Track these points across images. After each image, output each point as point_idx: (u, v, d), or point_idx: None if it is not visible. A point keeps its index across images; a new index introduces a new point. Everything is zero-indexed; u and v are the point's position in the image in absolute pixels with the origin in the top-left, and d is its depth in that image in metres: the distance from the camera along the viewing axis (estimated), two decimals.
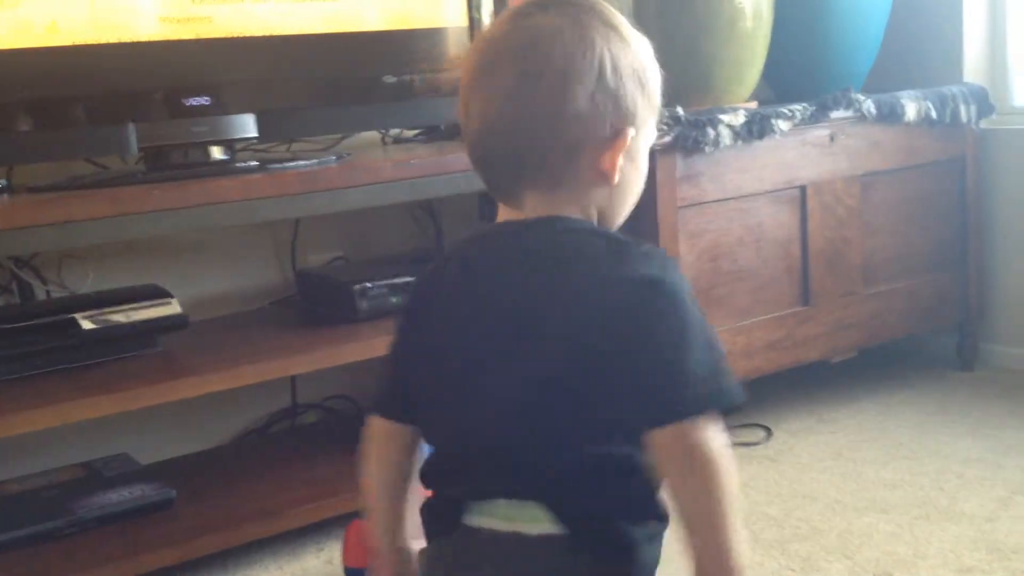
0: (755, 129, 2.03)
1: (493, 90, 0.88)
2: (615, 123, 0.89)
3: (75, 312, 1.68)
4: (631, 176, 0.93)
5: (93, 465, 1.88)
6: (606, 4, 0.92)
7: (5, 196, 1.66)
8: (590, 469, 0.86)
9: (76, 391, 1.58)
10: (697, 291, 2.01)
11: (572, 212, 0.91)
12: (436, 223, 2.33)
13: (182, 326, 1.76)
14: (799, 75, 2.39)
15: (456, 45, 2.02)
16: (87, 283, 1.96)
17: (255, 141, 1.86)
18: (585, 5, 0.90)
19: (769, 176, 2.10)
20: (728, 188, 2.05)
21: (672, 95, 2.30)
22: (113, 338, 1.70)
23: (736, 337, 2.09)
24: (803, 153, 2.14)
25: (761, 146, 2.07)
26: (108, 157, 1.90)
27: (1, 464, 1.89)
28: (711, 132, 1.97)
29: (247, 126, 1.81)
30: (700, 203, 2.02)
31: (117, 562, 1.59)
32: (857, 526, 1.73)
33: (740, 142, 2.02)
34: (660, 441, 0.84)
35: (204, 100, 1.77)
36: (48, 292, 1.93)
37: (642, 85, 0.91)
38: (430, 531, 0.95)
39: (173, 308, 1.75)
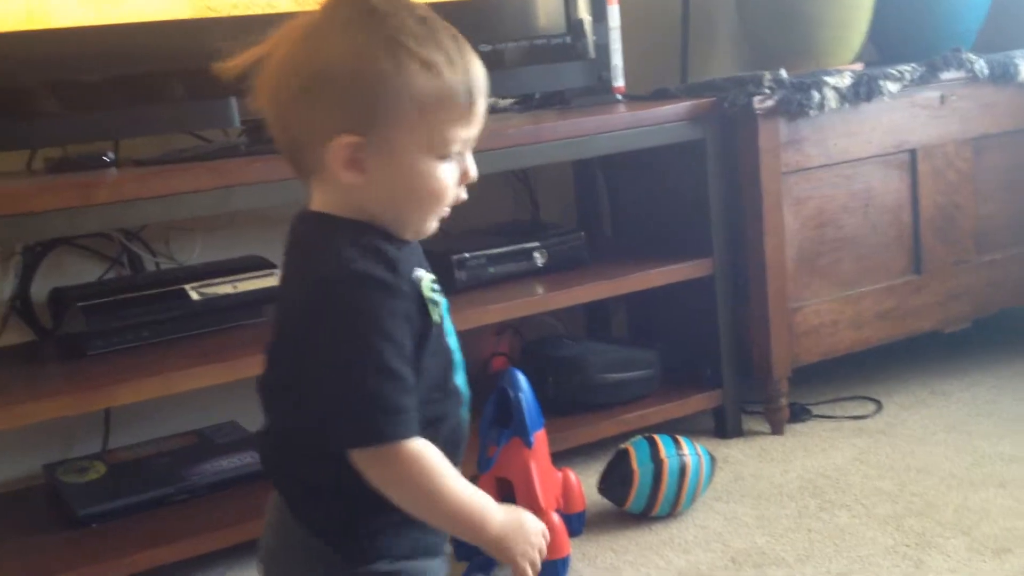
0: (862, 91, 1.96)
1: None
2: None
3: (184, 283, 1.71)
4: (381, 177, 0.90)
5: (204, 433, 1.92)
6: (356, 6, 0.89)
7: (112, 170, 1.70)
8: None
9: (185, 360, 1.61)
10: (801, 260, 1.98)
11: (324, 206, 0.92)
12: (532, 193, 2.31)
13: None
14: (906, 35, 2.32)
15: (547, 13, 1.99)
16: (194, 255, 2.00)
17: None
18: (356, 3, 0.89)
19: (877, 140, 2.03)
20: (833, 153, 1.99)
21: (774, 58, 2.26)
22: (220, 308, 1.73)
23: (844, 307, 2.03)
24: (912, 115, 2.07)
25: (868, 109, 2.00)
26: (210, 130, 1.93)
27: (115, 432, 1.94)
28: (816, 95, 1.91)
29: None
30: (804, 169, 1.97)
31: (229, 527, 1.62)
32: (974, 501, 1.68)
33: (846, 105, 1.96)
34: None
35: None
36: (157, 264, 1.97)
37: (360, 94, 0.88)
38: None
39: (277, 279, 1.77)
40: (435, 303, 0.92)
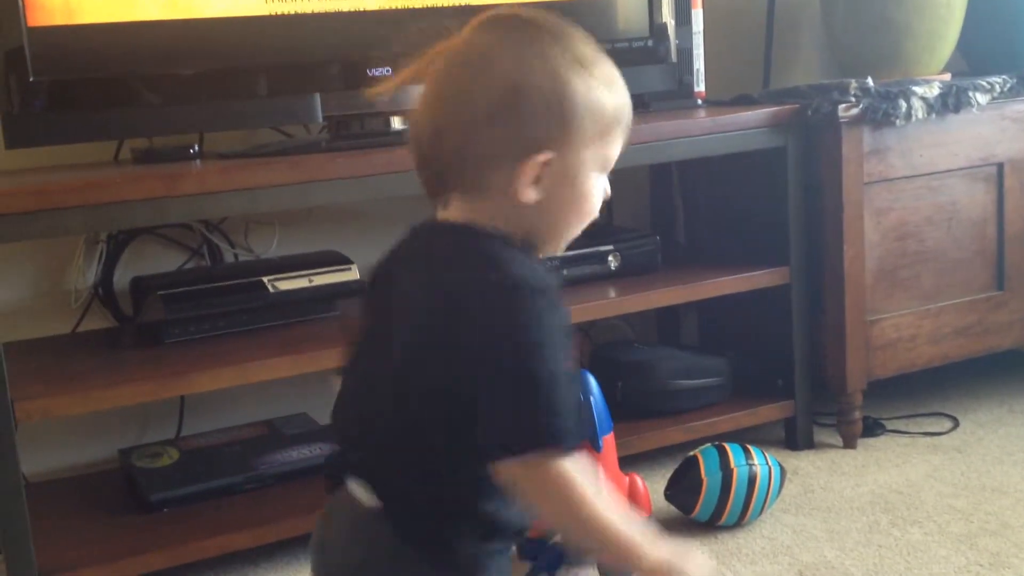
0: (950, 102, 1.92)
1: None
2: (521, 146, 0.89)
3: (261, 276, 1.74)
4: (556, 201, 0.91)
5: (274, 423, 1.94)
6: (556, 24, 0.91)
7: (197, 162, 1.73)
8: None
9: (260, 351, 1.64)
10: (881, 272, 1.94)
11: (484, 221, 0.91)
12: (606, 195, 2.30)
13: (361, 292, 1.80)
14: (996, 46, 2.27)
15: (630, 16, 1.98)
16: (272, 248, 2.03)
17: None
18: (521, 24, 0.91)
19: (963, 152, 1.99)
20: (918, 164, 1.95)
21: (858, 66, 2.22)
22: (296, 301, 1.76)
23: (922, 321, 1.99)
24: (1001, 128, 2.02)
25: (955, 120, 1.96)
26: (292, 126, 1.95)
27: (188, 419, 1.98)
28: (903, 104, 1.87)
29: None
30: (887, 179, 1.93)
31: (296, 517, 1.63)
32: None
33: (933, 116, 1.92)
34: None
35: (386, 71, 1.79)
36: (236, 256, 2.00)
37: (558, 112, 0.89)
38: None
39: (353, 274, 1.79)
40: None
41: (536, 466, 0.84)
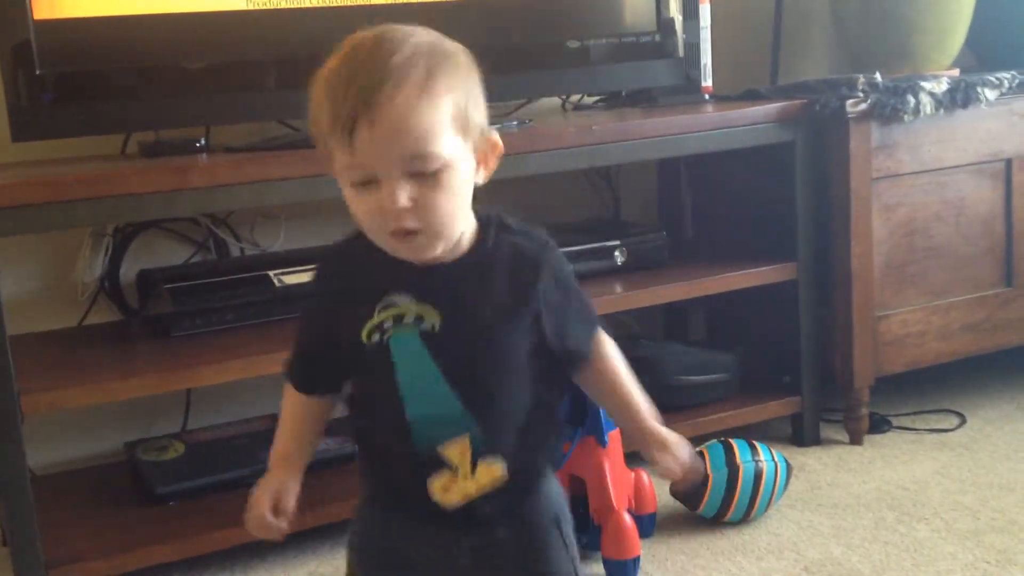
0: (959, 97, 1.91)
1: None
2: None
3: (268, 270, 1.74)
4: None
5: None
6: None
7: (204, 156, 1.73)
8: None
9: (266, 345, 1.63)
10: (889, 268, 1.94)
11: None
12: (614, 191, 2.30)
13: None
14: (1005, 42, 2.27)
15: (637, 11, 1.98)
16: (278, 242, 2.03)
17: None
18: None
19: (972, 148, 1.98)
20: (926, 160, 1.95)
21: (867, 61, 2.22)
22: (302, 296, 1.74)
23: (931, 317, 1.98)
24: (1010, 124, 2.01)
25: (963, 116, 1.95)
26: (299, 119, 1.95)
27: (194, 413, 1.98)
28: (911, 100, 1.87)
29: None
30: (895, 175, 1.92)
31: (303, 510, 1.63)
32: None
33: (941, 111, 1.91)
34: None
35: None
36: (242, 250, 2.00)
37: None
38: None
39: None
40: (381, 329, 0.95)
41: None
